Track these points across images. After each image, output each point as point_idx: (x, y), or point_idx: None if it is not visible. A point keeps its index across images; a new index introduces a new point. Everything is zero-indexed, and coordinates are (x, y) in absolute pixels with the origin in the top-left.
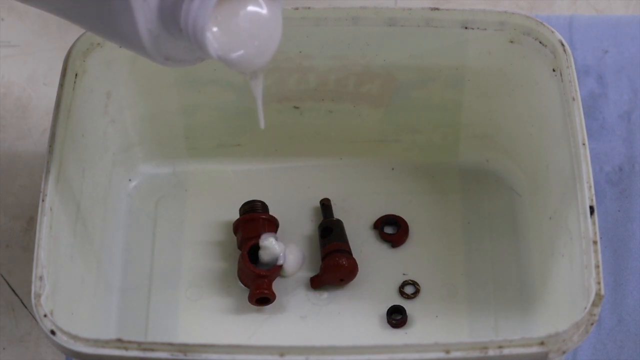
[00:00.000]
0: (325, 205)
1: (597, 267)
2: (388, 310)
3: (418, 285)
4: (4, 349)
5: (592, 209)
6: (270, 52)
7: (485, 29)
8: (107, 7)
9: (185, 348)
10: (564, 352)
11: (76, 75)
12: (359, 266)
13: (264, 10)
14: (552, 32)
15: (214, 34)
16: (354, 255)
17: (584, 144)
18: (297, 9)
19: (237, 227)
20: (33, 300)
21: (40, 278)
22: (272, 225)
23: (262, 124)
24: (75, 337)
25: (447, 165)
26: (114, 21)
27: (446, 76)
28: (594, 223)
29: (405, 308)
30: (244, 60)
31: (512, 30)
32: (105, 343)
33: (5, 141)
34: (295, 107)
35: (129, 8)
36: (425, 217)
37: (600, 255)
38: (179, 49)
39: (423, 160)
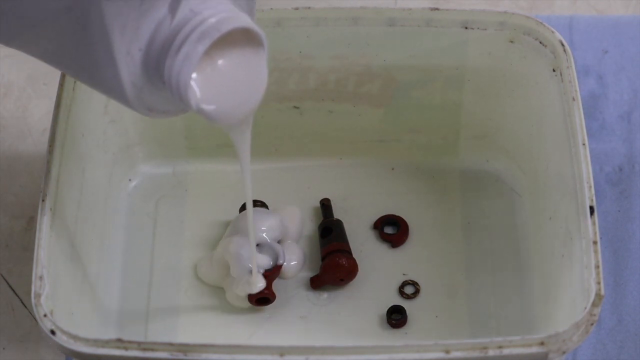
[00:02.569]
0: (325, 205)
1: (597, 267)
2: (388, 310)
3: (418, 285)
4: (4, 349)
5: (592, 209)
6: (255, 104)
7: (485, 29)
8: (91, 58)
9: (185, 348)
10: (564, 352)
11: None
12: (359, 266)
13: (248, 62)
14: (552, 32)
15: (197, 89)
16: (354, 255)
17: (584, 144)
18: (297, 9)
19: None
20: (33, 300)
21: (40, 278)
22: None
23: (248, 199)
24: (75, 337)
25: (447, 165)
26: (98, 72)
27: (446, 76)
28: (594, 223)
29: (405, 308)
30: (227, 114)
31: (512, 30)
32: (105, 343)
33: (5, 141)
34: (295, 107)
35: (113, 61)
36: (425, 217)
37: (600, 255)
38: (161, 100)
39: (423, 160)
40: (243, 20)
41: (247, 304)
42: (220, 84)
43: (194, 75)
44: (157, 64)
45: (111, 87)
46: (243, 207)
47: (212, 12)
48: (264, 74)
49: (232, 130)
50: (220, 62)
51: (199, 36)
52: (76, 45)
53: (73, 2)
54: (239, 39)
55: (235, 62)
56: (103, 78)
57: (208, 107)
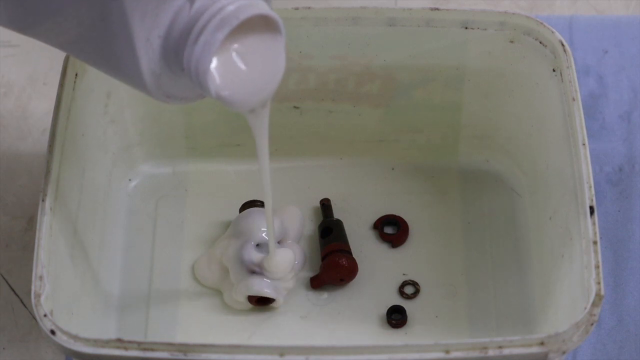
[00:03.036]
0: (325, 205)
1: (597, 267)
2: (388, 310)
3: (418, 285)
4: (4, 349)
5: (592, 209)
6: (272, 89)
7: (485, 29)
8: (110, 46)
9: (185, 348)
10: (564, 352)
11: (76, 75)
12: (359, 266)
13: (266, 48)
14: (552, 32)
15: (217, 75)
16: (354, 255)
17: (584, 144)
18: (297, 9)
19: None
20: (33, 300)
21: (40, 278)
22: None
23: (266, 184)
24: (75, 337)
25: (447, 165)
26: (117, 60)
27: (446, 76)
28: (594, 223)
29: (405, 308)
30: (246, 99)
31: (512, 30)
32: (105, 343)
33: (5, 141)
34: (295, 107)
35: (133, 48)
36: (425, 217)
37: (600, 255)
38: (180, 87)
39: (423, 160)
40: (261, 7)
41: (246, 306)
42: (239, 70)
43: (213, 62)
44: (176, 51)
45: (130, 75)
46: (243, 207)
47: (231, 0)
48: (282, 60)
49: (251, 115)
50: (239, 48)
51: (218, 24)
52: (96, 32)
53: None
54: (258, 25)
55: (253, 48)
56: (122, 66)
57: (227, 94)
